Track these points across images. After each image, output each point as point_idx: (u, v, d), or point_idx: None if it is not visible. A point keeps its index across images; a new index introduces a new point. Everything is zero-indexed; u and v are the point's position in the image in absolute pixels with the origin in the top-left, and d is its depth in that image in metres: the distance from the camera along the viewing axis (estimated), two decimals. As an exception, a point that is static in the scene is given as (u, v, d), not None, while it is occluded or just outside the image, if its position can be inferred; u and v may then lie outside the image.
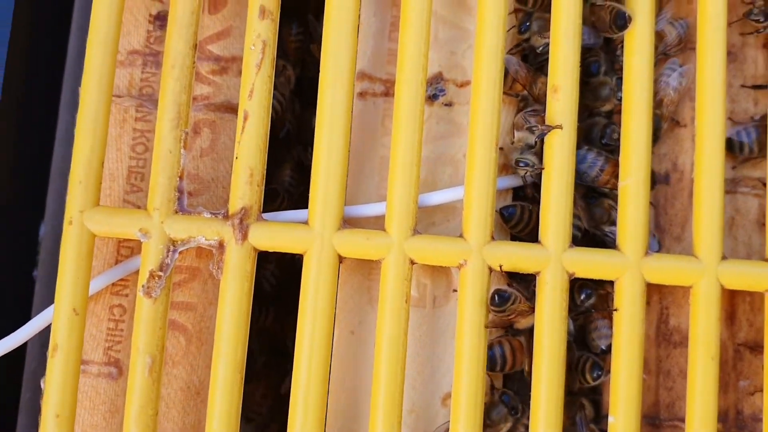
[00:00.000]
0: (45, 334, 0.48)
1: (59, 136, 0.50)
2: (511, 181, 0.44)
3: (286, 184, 0.49)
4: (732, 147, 0.45)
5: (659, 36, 0.45)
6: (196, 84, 0.45)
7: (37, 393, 0.50)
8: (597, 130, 0.45)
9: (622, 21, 0.42)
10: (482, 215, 0.42)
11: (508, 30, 0.45)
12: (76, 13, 0.51)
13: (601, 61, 0.45)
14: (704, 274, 0.42)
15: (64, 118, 0.50)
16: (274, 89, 0.46)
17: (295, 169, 0.49)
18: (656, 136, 0.45)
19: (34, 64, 0.49)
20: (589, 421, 0.43)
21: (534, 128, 0.42)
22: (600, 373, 0.42)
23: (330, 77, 0.42)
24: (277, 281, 0.49)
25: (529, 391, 0.41)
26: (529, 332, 0.42)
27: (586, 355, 0.43)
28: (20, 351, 0.49)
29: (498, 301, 0.41)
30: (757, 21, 0.45)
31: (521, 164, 0.43)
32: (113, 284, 0.43)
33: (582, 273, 0.42)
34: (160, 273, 0.40)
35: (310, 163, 0.42)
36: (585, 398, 0.44)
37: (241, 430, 0.50)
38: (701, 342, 0.42)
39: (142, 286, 0.40)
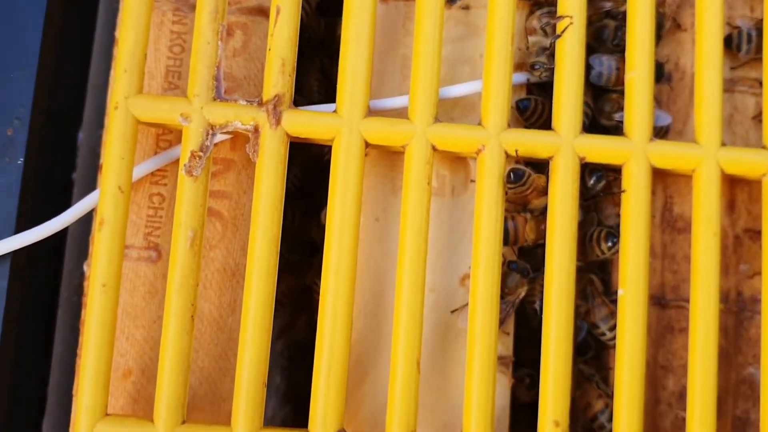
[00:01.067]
0: (82, 236, 0.51)
1: (96, 50, 0.54)
2: (523, 78, 0.47)
3: (314, 90, 0.52)
4: (730, 43, 0.48)
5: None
6: (230, -10, 0.48)
7: (75, 291, 0.52)
8: (608, 32, 0.48)
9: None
10: (499, 103, 0.45)
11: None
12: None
13: None
14: (705, 158, 0.45)
15: (101, 34, 0.53)
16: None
17: (321, 78, 0.52)
18: (659, 34, 0.48)
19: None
20: (599, 294, 0.46)
21: (547, 26, 0.46)
22: (615, 241, 0.45)
23: (356, -23, 0.45)
24: (301, 183, 0.52)
25: (541, 262, 0.44)
26: (540, 211, 0.45)
27: (599, 228, 0.46)
28: (59, 251, 0.52)
29: (513, 178, 0.44)
30: None
31: (536, 66, 0.46)
32: (152, 174, 0.46)
33: (592, 158, 0.45)
34: (201, 153, 0.43)
35: (335, 72, 0.45)
36: (594, 275, 0.47)
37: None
38: (704, 222, 0.45)
39: (184, 165, 0.43)
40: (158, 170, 0.46)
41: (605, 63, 0.47)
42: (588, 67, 0.47)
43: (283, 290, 0.53)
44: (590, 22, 0.48)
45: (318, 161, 0.51)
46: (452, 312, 0.46)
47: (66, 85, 0.53)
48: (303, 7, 0.49)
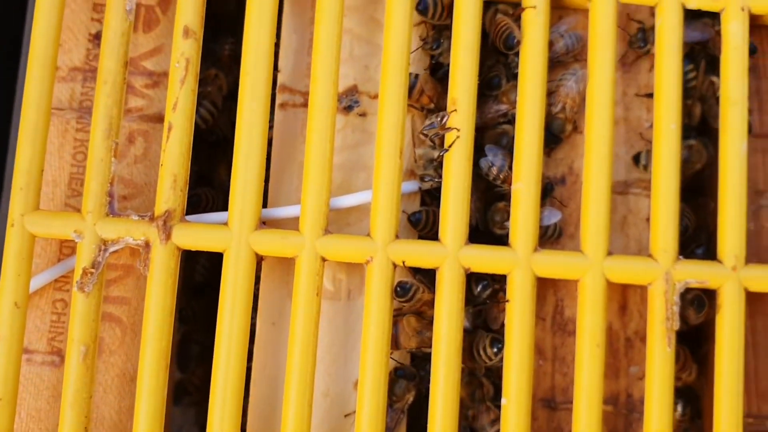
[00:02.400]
0: None
1: (11, 147, 0.55)
2: (415, 186, 0.48)
3: (226, 183, 0.53)
4: (638, 161, 0.49)
5: (550, 44, 0.48)
6: (131, 97, 0.49)
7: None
8: (506, 139, 0.49)
9: (511, 43, 0.46)
10: (387, 216, 0.46)
11: (421, 47, 0.49)
12: (26, 35, 0.55)
13: (501, 75, 0.49)
14: (590, 268, 0.46)
15: (16, 131, 0.55)
16: (206, 99, 0.51)
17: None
18: (560, 139, 0.48)
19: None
20: (487, 399, 0.47)
21: (436, 138, 0.46)
22: (501, 347, 0.46)
23: (248, 87, 0.46)
24: (209, 273, 0.54)
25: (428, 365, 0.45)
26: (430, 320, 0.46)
27: (485, 334, 0.47)
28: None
29: (400, 292, 0.45)
30: (639, 47, 0.49)
31: (426, 179, 0.48)
32: (56, 280, 0.48)
33: (477, 268, 0.46)
34: (93, 270, 0.44)
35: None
36: (486, 378, 0.48)
37: (181, 404, 0.55)
38: (588, 331, 0.46)
39: (77, 282, 0.44)
40: (61, 276, 0.48)
41: (499, 157, 0.47)
42: (481, 153, 0.48)
43: (201, 376, 0.55)
44: (489, 126, 0.49)
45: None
46: (346, 416, 0.47)
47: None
48: (206, 107, 0.51)
